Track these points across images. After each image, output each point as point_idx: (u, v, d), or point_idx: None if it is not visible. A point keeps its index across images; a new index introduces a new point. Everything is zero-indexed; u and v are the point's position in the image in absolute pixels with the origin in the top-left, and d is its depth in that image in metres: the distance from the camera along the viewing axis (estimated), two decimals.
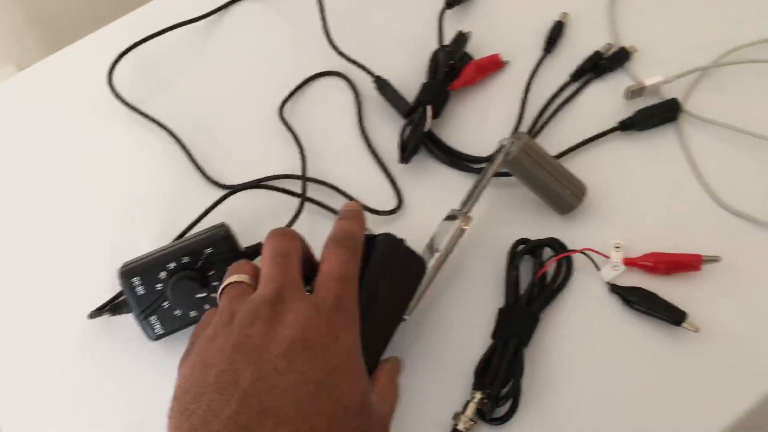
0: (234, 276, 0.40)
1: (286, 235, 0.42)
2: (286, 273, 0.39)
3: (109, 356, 0.50)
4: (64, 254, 0.55)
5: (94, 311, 0.50)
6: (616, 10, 0.62)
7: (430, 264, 0.47)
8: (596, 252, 0.51)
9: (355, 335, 0.38)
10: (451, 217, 0.49)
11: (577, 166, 0.55)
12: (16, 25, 0.74)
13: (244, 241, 0.51)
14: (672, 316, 0.48)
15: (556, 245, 0.51)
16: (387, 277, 0.42)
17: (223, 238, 0.49)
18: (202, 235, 0.49)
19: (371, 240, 0.44)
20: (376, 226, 0.53)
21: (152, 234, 0.54)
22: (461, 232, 0.48)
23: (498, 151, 0.51)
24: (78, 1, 0.78)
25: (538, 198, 0.52)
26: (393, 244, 0.43)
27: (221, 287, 0.40)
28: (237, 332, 0.36)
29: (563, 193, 0.51)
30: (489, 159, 0.52)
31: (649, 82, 0.56)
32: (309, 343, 0.35)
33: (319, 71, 0.60)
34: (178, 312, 0.48)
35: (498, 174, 0.53)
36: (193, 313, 0.49)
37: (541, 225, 0.53)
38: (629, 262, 0.51)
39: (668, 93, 0.57)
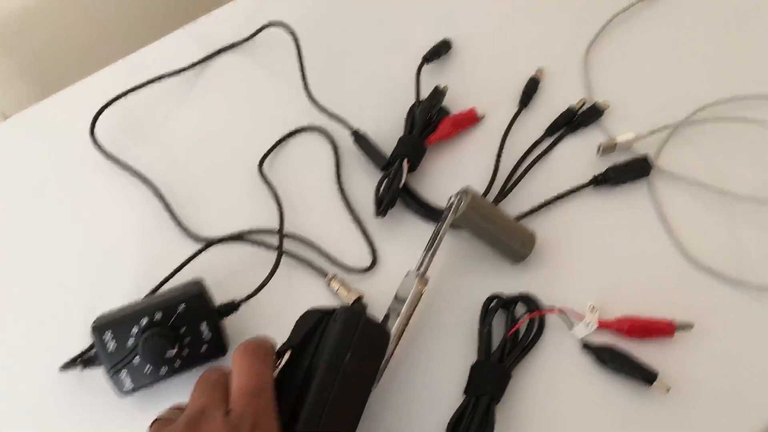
0: (164, 413, 0.41)
1: (215, 368, 0.41)
2: (208, 394, 0.39)
3: (79, 410, 0.50)
4: (37, 304, 0.55)
5: (65, 364, 0.50)
6: (589, 67, 0.63)
7: (393, 328, 0.47)
8: (571, 312, 0.51)
9: None
10: (409, 277, 0.50)
11: (551, 221, 0.56)
12: (2, 73, 0.75)
13: (221, 294, 0.51)
14: (643, 375, 0.49)
15: (528, 301, 0.51)
16: (351, 353, 0.43)
17: (197, 296, 0.49)
18: (176, 292, 0.50)
19: (331, 314, 0.44)
20: (351, 283, 0.54)
21: (128, 286, 0.54)
22: (419, 294, 0.48)
23: (448, 209, 0.52)
24: (64, 50, 0.79)
25: (491, 250, 0.53)
26: (354, 318, 0.44)
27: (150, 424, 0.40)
28: None
29: (513, 245, 0.52)
30: (440, 217, 0.53)
31: (621, 138, 0.57)
32: None
33: (298, 125, 0.61)
34: (147, 369, 0.48)
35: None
36: (163, 371, 0.49)
37: (512, 278, 0.53)
38: (603, 324, 0.51)
39: (640, 149, 0.58)
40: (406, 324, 0.48)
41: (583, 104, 0.60)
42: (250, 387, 0.39)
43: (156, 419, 0.40)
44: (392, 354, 0.47)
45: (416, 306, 0.49)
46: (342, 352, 0.43)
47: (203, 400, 0.39)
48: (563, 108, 0.60)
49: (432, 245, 0.51)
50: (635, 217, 0.56)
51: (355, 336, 0.43)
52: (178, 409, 0.41)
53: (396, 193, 0.56)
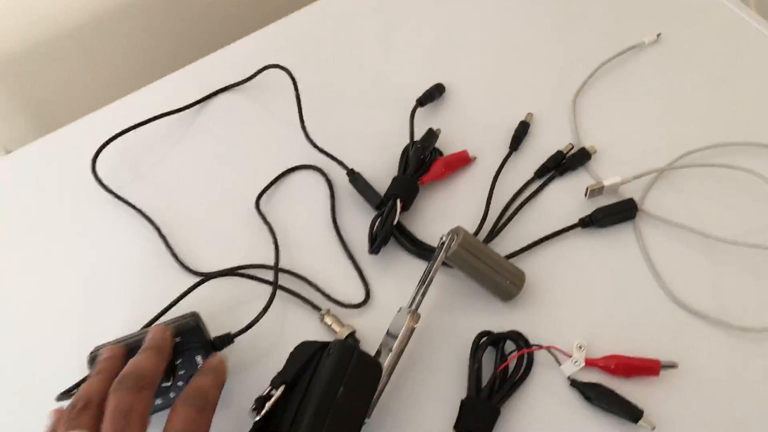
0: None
1: (129, 386, 0.41)
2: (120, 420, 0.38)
3: None
4: (35, 335, 0.55)
5: (62, 393, 0.51)
6: (577, 112, 0.65)
7: (386, 362, 0.48)
8: (559, 350, 0.52)
9: None
10: (401, 313, 0.51)
11: (540, 261, 0.57)
12: (4, 109, 0.76)
13: (216, 327, 0.52)
14: (629, 413, 0.50)
15: (517, 338, 0.53)
16: (344, 386, 0.43)
17: (192, 328, 0.50)
18: (172, 324, 0.50)
19: (325, 348, 0.45)
20: (344, 318, 0.55)
21: (125, 318, 0.55)
22: (411, 330, 0.50)
23: (439, 247, 0.53)
24: (65, 89, 0.81)
25: (481, 288, 0.55)
26: (347, 351, 0.45)
27: None
28: None
29: (503, 283, 0.54)
30: (431, 255, 0.55)
31: (607, 182, 0.59)
32: None
33: (295, 164, 0.63)
34: None
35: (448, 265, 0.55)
36: (157, 402, 0.49)
37: (502, 316, 0.55)
38: (590, 363, 0.52)
39: (626, 192, 0.60)
40: (398, 359, 0.49)
41: (572, 148, 0.62)
42: None
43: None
44: (384, 388, 0.48)
45: (408, 341, 0.50)
46: (335, 384, 0.44)
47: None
48: (552, 152, 0.62)
49: (424, 282, 0.52)
50: (621, 258, 0.57)
51: (348, 369, 0.44)
52: (87, 416, 0.40)
53: (389, 231, 0.57)
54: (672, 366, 0.52)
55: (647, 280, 0.56)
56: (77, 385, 0.51)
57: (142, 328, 0.53)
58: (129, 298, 0.57)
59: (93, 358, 0.48)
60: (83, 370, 0.51)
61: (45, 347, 0.55)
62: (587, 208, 0.59)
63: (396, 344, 0.49)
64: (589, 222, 0.58)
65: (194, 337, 0.50)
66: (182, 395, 0.42)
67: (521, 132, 0.64)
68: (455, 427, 0.50)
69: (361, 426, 0.45)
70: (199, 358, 0.50)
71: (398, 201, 0.58)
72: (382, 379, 0.47)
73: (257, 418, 0.45)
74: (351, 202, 0.61)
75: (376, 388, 0.47)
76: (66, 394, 0.51)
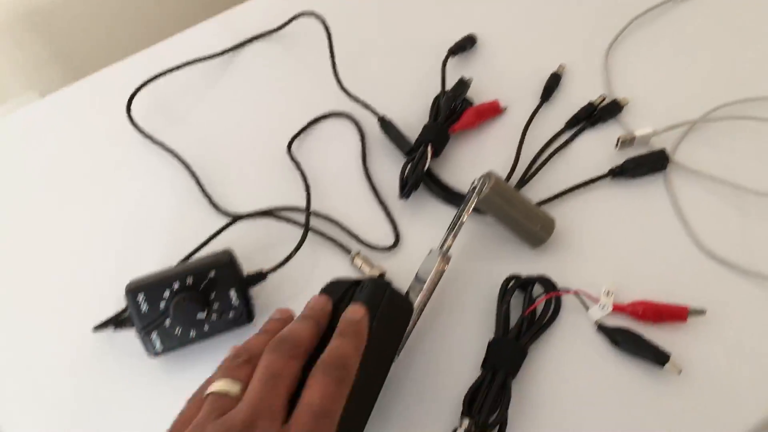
0: (222, 384, 0.38)
1: (283, 351, 0.40)
2: (268, 398, 0.37)
3: (110, 369, 0.52)
4: (74, 270, 0.57)
5: (99, 325, 0.52)
6: (610, 64, 0.65)
7: (416, 302, 0.49)
8: (587, 295, 0.53)
9: None
10: (432, 255, 0.52)
11: (569, 210, 0.57)
12: (40, 54, 0.77)
13: (248, 267, 0.53)
14: (656, 357, 0.50)
15: (545, 282, 0.53)
16: (376, 321, 0.44)
17: (227, 263, 0.51)
18: (207, 259, 0.51)
19: (358, 284, 0.46)
20: (375, 260, 0.55)
21: (159, 256, 0.56)
22: (441, 271, 0.50)
23: (471, 191, 0.54)
24: (99, 34, 0.81)
25: (511, 233, 0.55)
26: (379, 287, 0.46)
27: (208, 390, 0.38)
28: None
29: (533, 229, 0.54)
30: (464, 198, 0.55)
31: (639, 133, 0.59)
32: None
33: (327, 110, 0.63)
34: (177, 331, 0.50)
35: (481, 211, 0.55)
36: (192, 333, 0.51)
37: (530, 261, 0.55)
38: (618, 308, 0.52)
39: (657, 144, 0.60)
40: (428, 299, 0.50)
41: (603, 100, 0.62)
42: (318, 407, 0.37)
43: (213, 392, 0.38)
44: (413, 327, 0.49)
45: (438, 282, 0.50)
46: (370, 318, 0.44)
47: (259, 400, 0.37)
48: (583, 103, 0.62)
49: (455, 225, 0.53)
50: (651, 209, 0.57)
51: (381, 305, 0.45)
52: (242, 369, 0.40)
53: (419, 177, 0.58)
54: (700, 313, 0.52)
55: (677, 231, 0.56)
56: (114, 317, 0.53)
57: (177, 264, 0.54)
58: (163, 236, 0.58)
59: (129, 290, 0.50)
60: (119, 303, 0.53)
61: (83, 282, 0.56)
62: (618, 160, 0.59)
63: (426, 284, 0.50)
64: (620, 172, 0.58)
65: (228, 272, 0.51)
66: (324, 361, 0.39)
67: (553, 83, 0.63)
68: (483, 366, 0.50)
69: (390, 363, 0.46)
70: (232, 293, 0.51)
71: (429, 147, 0.58)
72: (412, 318, 0.48)
73: None
74: (381, 149, 0.61)
75: (407, 326, 0.48)
76: (103, 325, 0.52)
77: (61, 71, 0.81)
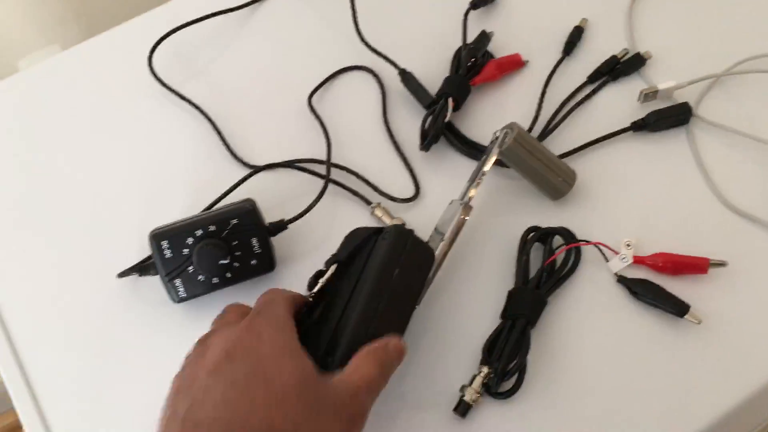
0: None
1: (274, 292, 0.45)
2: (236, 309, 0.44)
3: (134, 314, 0.53)
4: (98, 219, 0.57)
5: (123, 271, 0.53)
6: (633, 17, 0.64)
7: (437, 252, 0.49)
8: (607, 247, 0.53)
9: (280, 327, 0.41)
10: (453, 206, 0.52)
11: (591, 163, 0.57)
12: (62, 8, 0.78)
13: (270, 218, 0.53)
14: (675, 307, 0.50)
15: (566, 234, 0.53)
16: (399, 268, 0.44)
17: (249, 211, 0.51)
18: (229, 208, 0.52)
19: (380, 232, 0.46)
20: (394, 212, 0.56)
21: (181, 205, 0.57)
22: (463, 221, 0.50)
23: (493, 142, 0.54)
24: None
25: (532, 185, 0.55)
26: (402, 235, 0.46)
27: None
28: (178, 377, 0.40)
29: (555, 181, 0.54)
30: (485, 150, 0.55)
31: (662, 86, 0.58)
32: (232, 352, 0.38)
33: (347, 63, 0.63)
34: (201, 277, 0.51)
35: (501, 164, 0.55)
36: (215, 280, 0.51)
37: (550, 214, 0.55)
38: (638, 260, 0.52)
39: (681, 98, 0.59)
40: (449, 249, 0.50)
41: (626, 53, 0.61)
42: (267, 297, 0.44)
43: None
44: (434, 276, 0.49)
45: (459, 233, 0.50)
46: (391, 267, 0.45)
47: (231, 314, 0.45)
48: (606, 57, 0.61)
49: (476, 176, 0.53)
50: (673, 162, 0.57)
51: (404, 253, 0.45)
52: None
53: (440, 129, 0.58)
54: (721, 264, 0.52)
55: (698, 184, 0.56)
56: (139, 264, 0.53)
57: (200, 212, 0.54)
58: (186, 186, 0.58)
59: (154, 236, 0.50)
60: (143, 251, 0.54)
61: (108, 230, 0.57)
62: (640, 114, 0.58)
63: (447, 234, 0.50)
64: (642, 125, 0.58)
65: (250, 221, 0.51)
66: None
67: (575, 37, 0.63)
68: (502, 315, 0.51)
69: (412, 311, 0.47)
70: (254, 241, 0.51)
71: (450, 100, 0.58)
72: (433, 267, 0.48)
73: (312, 292, 0.46)
74: (402, 103, 0.61)
75: (429, 274, 0.48)
76: (128, 272, 0.53)
77: (83, 26, 0.81)
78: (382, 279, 0.44)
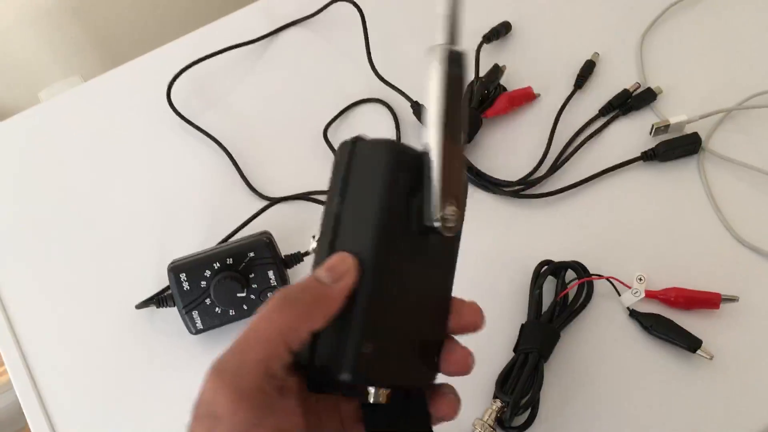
0: None
1: None
2: None
3: (152, 345, 0.54)
4: (116, 250, 0.58)
5: (141, 303, 0.54)
6: (644, 51, 0.65)
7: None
8: (619, 281, 0.53)
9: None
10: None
11: (601, 194, 0.58)
12: (82, 39, 0.79)
13: (285, 249, 0.54)
14: (687, 342, 0.51)
15: (578, 268, 0.54)
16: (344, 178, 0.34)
17: (266, 245, 0.52)
18: (246, 240, 0.53)
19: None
20: None
21: (198, 237, 0.58)
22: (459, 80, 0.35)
23: None
24: (139, 21, 0.83)
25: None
26: (345, 146, 0.35)
27: None
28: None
29: None
30: (493, 186, 0.55)
31: (674, 120, 0.59)
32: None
33: (361, 95, 0.64)
34: (218, 309, 0.52)
35: (519, 195, 0.57)
36: (232, 312, 0.52)
37: (562, 247, 0.55)
38: (650, 294, 0.53)
39: (692, 131, 0.60)
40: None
41: (638, 87, 0.62)
42: None
43: None
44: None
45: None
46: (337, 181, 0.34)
47: None
48: (617, 91, 0.62)
49: None
50: (683, 194, 0.58)
51: (348, 162, 0.34)
52: None
53: None
54: (733, 300, 0.52)
55: (709, 217, 0.57)
56: (156, 295, 0.54)
57: (216, 245, 0.55)
58: (203, 218, 0.59)
59: (173, 269, 0.51)
60: (161, 281, 0.54)
61: (125, 261, 0.58)
62: (651, 145, 0.59)
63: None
64: (652, 155, 0.58)
65: (267, 253, 0.52)
66: None
67: (587, 71, 0.63)
68: (515, 349, 0.51)
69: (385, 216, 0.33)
70: (271, 273, 0.52)
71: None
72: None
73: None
74: (416, 134, 0.62)
75: (391, 166, 0.33)
76: (145, 303, 0.54)
77: (102, 56, 0.82)
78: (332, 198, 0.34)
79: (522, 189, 0.59)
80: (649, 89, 0.62)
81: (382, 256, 0.32)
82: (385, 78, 0.64)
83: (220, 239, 0.57)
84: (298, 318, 0.30)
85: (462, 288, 0.51)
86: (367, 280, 0.32)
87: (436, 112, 0.34)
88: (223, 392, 0.28)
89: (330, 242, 0.33)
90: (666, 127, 0.59)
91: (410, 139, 0.62)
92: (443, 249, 0.35)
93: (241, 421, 0.28)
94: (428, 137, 0.33)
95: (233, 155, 0.62)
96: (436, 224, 0.33)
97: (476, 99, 0.61)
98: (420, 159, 0.34)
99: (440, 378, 0.37)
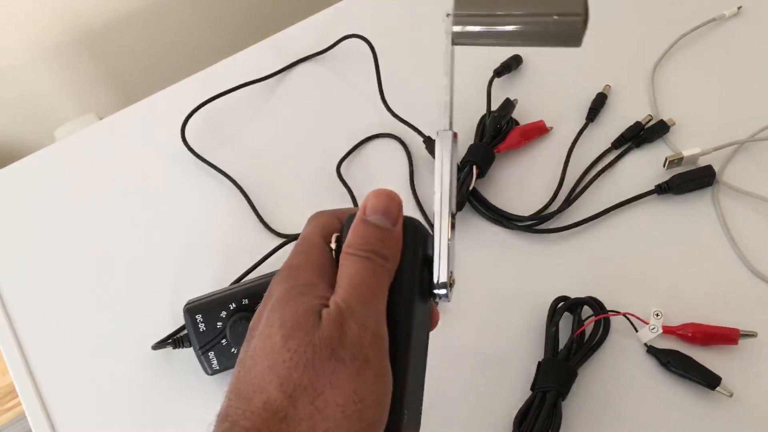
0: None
1: None
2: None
3: (168, 386, 0.54)
4: (131, 290, 0.59)
5: (157, 343, 0.54)
6: (656, 84, 0.65)
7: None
8: (636, 317, 0.53)
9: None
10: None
11: (616, 228, 0.58)
12: (97, 77, 0.80)
13: None
14: (706, 379, 0.50)
15: (594, 304, 0.53)
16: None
17: None
18: (262, 280, 0.53)
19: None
20: None
21: (214, 275, 0.58)
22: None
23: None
24: (152, 59, 0.84)
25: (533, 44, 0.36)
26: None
27: None
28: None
29: (550, 22, 0.34)
30: (506, 221, 0.55)
31: (687, 152, 0.59)
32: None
33: (374, 130, 0.64)
34: (234, 350, 0.52)
35: (533, 230, 0.56)
36: None
37: (577, 282, 0.55)
38: (667, 330, 0.53)
39: (705, 164, 0.59)
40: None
41: (650, 120, 0.62)
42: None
43: None
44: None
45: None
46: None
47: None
48: (629, 123, 0.62)
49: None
50: (699, 228, 0.57)
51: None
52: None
53: (465, 197, 0.58)
54: (751, 335, 0.52)
55: (725, 251, 0.56)
56: (172, 335, 0.54)
57: (231, 284, 0.55)
58: (217, 256, 0.59)
59: (188, 310, 0.51)
60: (177, 322, 0.55)
61: (140, 301, 0.58)
62: (664, 178, 0.59)
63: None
64: (666, 188, 0.58)
65: None
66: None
67: (598, 103, 0.64)
68: (532, 387, 0.51)
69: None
70: None
71: (474, 167, 0.59)
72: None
73: None
74: (429, 169, 0.62)
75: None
76: (161, 344, 0.54)
77: (117, 94, 0.83)
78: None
79: (536, 224, 0.59)
80: (661, 121, 0.62)
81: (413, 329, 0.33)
82: (397, 113, 0.64)
83: (235, 277, 0.57)
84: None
85: (476, 324, 0.51)
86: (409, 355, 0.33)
87: (442, 199, 0.36)
88: None
89: None
90: (680, 160, 0.59)
91: (423, 174, 0.62)
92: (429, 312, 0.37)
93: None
94: (436, 222, 0.35)
95: (247, 192, 0.62)
96: (442, 291, 0.34)
97: (489, 134, 0.61)
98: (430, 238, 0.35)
99: None
